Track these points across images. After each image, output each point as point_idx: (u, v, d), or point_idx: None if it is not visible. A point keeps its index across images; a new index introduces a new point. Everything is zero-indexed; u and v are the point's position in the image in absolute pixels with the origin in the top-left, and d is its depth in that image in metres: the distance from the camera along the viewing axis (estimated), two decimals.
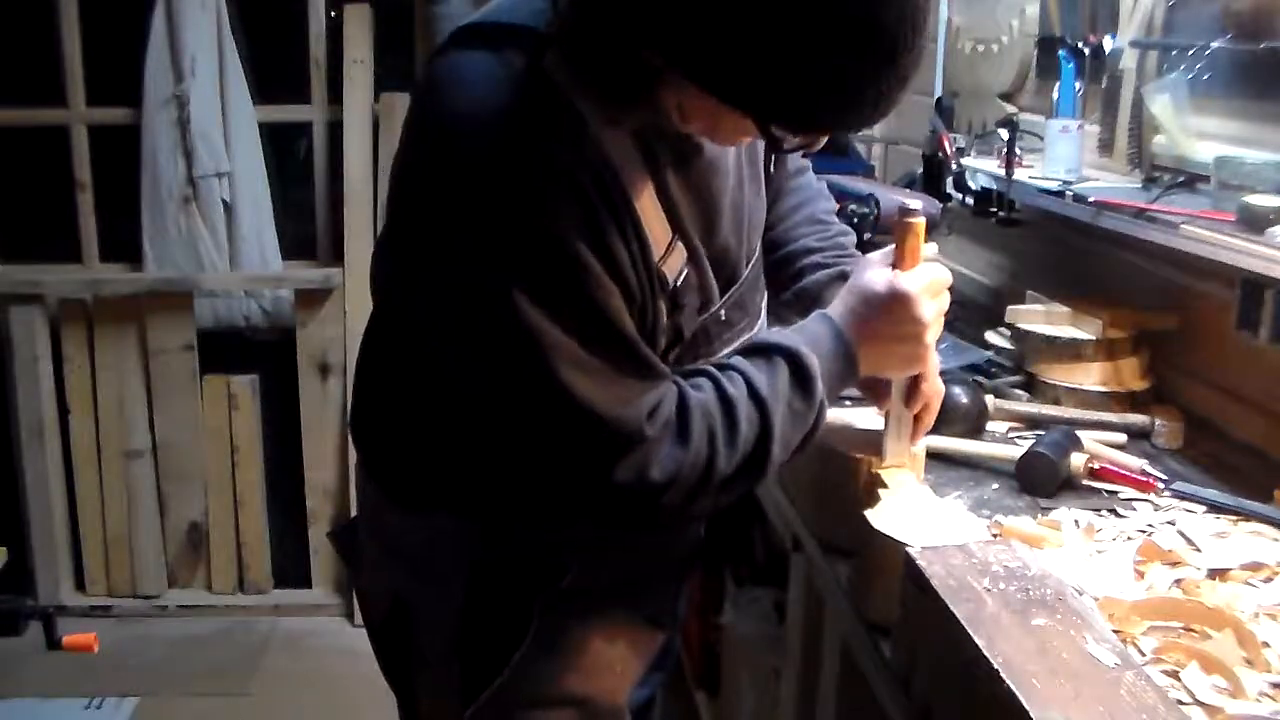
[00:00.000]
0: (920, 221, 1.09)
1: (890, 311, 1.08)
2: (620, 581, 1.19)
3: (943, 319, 1.12)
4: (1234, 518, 1.32)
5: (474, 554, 1.13)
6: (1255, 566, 1.18)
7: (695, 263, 1.07)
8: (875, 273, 1.10)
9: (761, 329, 1.22)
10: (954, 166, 2.06)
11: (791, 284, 1.29)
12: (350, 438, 1.25)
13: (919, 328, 1.08)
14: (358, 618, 3.07)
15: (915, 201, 1.12)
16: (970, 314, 2.18)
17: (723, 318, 1.13)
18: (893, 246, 1.11)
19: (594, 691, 1.19)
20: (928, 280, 1.09)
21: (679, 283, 1.04)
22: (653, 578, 1.25)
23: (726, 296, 1.13)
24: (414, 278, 1.01)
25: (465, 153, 0.92)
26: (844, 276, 1.18)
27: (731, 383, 1.02)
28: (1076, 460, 1.40)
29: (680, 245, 1.04)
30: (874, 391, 1.18)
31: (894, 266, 1.10)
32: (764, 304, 1.24)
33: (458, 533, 1.13)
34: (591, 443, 0.96)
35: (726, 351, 1.13)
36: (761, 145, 1.17)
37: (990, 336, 1.86)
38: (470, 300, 0.94)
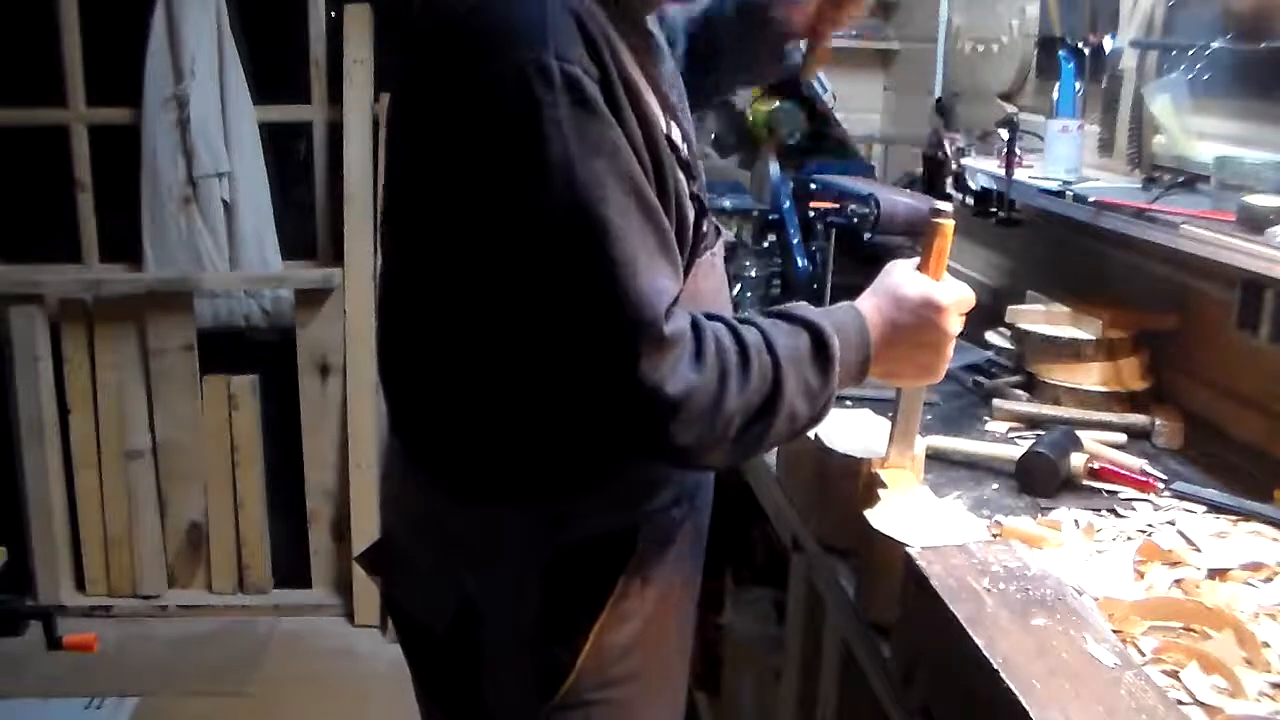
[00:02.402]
0: (951, 223, 1.09)
1: (920, 317, 1.07)
2: (672, 547, 1.18)
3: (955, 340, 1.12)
4: (1234, 518, 1.32)
5: (547, 542, 1.11)
6: (1255, 566, 1.18)
7: (689, 141, 1.08)
8: (909, 276, 1.09)
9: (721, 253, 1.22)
10: (954, 166, 2.05)
11: None
12: (393, 434, 1.20)
13: (944, 339, 1.08)
14: (358, 618, 3.08)
15: (946, 203, 1.11)
16: (970, 314, 2.18)
17: (706, 203, 1.12)
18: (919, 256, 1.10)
19: (652, 663, 1.19)
20: (959, 295, 1.09)
21: (686, 152, 1.05)
22: (692, 543, 1.24)
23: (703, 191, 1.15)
24: (448, 155, 0.98)
25: (480, 15, 0.94)
26: None
27: (749, 331, 1.00)
28: (1076, 460, 1.40)
29: (674, 124, 1.05)
30: None
31: (920, 268, 1.09)
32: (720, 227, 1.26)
33: (526, 523, 1.11)
34: (620, 321, 0.93)
35: (716, 248, 1.14)
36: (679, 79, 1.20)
37: (990, 336, 1.86)
38: (509, 140, 0.92)
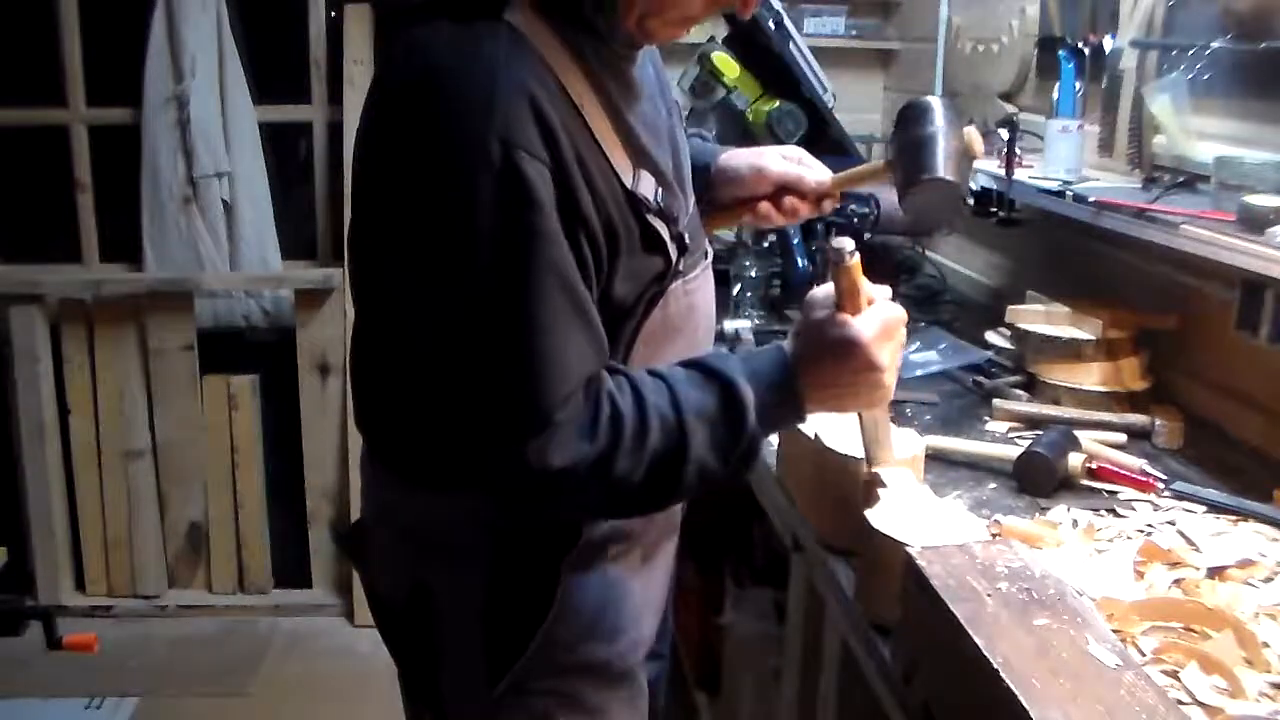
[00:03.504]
0: (855, 262, 1.04)
1: (844, 360, 1.05)
2: (625, 537, 1.19)
3: (900, 356, 1.09)
4: (1234, 518, 1.32)
5: (492, 526, 1.13)
6: (1245, 564, 1.18)
7: (664, 183, 1.09)
8: (823, 319, 1.06)
9: (710, 261, 1.24)
10: None
11: None
12: (357, 426, 1.24)
13: (875, 374, 1.05)
14: (358, 618, 3.07)
15: (846, 241, 1.05)
16: (970, 314, 2.18)
17: (687, 241, 1.14)
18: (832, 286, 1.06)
19: (611, 655, 1.20)
20: (879, 324, 1.05)
21: (659, 198, 1.06)
22: (651, 533, 1.25)
23: (689, 216, 1.16)
24: (389, 214, 1.02)
25: (428, 87, 0.96)
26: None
27: (654, 391, 1.02)
28: (1074, 460, 1.40)
29: (645, 172, 1.06)
30: None
31: (838, 309, 1.05)
32: (707, 245, 1.26)
33: (473, 506, 1.12)
34: (514, 411, 0.97)
35: (695, 273, 1.16)
36: (665, 80, 1.24)
37: (990, 336, 1.86)
38: (440, 217, 0.95)
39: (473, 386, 0.99)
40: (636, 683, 1.24)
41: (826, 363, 1.05)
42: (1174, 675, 0.98)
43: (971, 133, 1.30)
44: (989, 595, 0.91)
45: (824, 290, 1.08)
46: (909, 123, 1.30)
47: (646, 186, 1.06)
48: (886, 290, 1.10)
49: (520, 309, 0.95)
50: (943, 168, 1.25)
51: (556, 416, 0.97)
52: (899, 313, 1.08)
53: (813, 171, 1.36)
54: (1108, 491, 1.40)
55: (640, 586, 1.23)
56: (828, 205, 1.39)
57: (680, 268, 1.11)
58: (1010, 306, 1.80)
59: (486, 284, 0.95)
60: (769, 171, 1.35)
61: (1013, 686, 0.80)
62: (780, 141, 2.22)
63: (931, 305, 2.28)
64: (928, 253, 2.51)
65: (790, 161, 1.36)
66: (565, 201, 0.96)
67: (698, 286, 1.17)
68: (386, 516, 1.24)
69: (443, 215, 0.95)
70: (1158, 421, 1.57)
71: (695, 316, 1.18)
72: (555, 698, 1.17)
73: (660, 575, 1.30)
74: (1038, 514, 1.33)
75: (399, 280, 1.03)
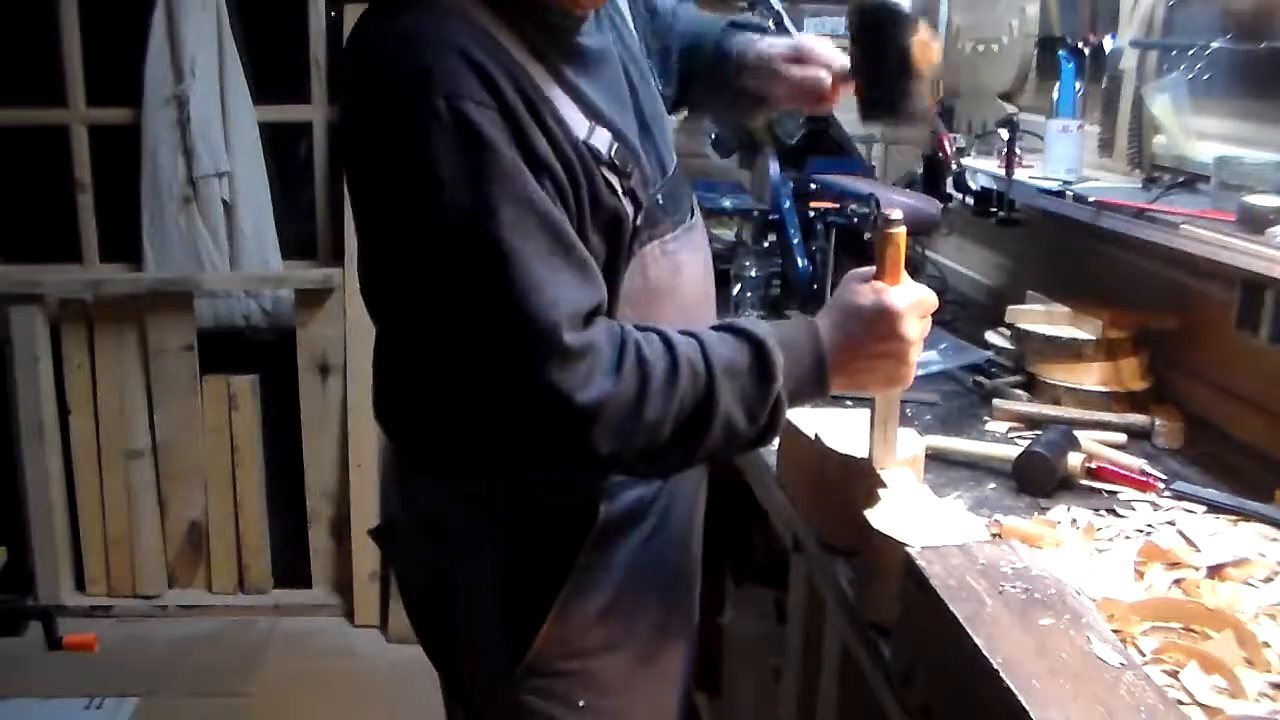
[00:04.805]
0: (901, 231, 1.07)
1: (874, 326, 1.06)
2: (645, 523, 1.20)
3: (922, 339, 1.10)
4: (1234, 518, 1.32)
5: (506, 514, 1.14)
6: (1240, 563, 1.18)
7: (623, 141, 1.10)
8: (861, 286, 1.08)
9: (698, 226, 1.25)
10: (954, 166, 2.05)
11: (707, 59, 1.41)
12: (376, 418, 1.25)
13: (903, 345, 1.07)
14: (358, 618, 3.08)
15: (895, 211, 1.09)
16: (970, 314, 2.18)
17: (660, 202, 1.15)
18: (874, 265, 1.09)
19: (630, 638, 1.21)
20: (916, 298, 1.08)
21: (613, 153, 1.08)
22: (678, 504, 1.26)
23: (662, 184, 1.16)
24: (367, 197, 1.06)
25: (371, 71, 1.02)
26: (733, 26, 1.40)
27: (685, 342, 1.02)
28: (1074, 460, 1.40)
29: (600, 128, 1.07)
30: None
31: (876, 277, 1.08)
32: (695, 205, 1.27)
33: (488, 495, 1.14)
34: (517, 336, 0.97)
35: (675, 234, 1.17)
36: (638, 46, 1.25)
37: (990, 336, 1.86)
38: (405, 180, 0.98)
39: (475, 331, 1.00)
40: (661, 661, 1.25)
41: (856, 328, 1.07)
42: (1174, 675, 0.98)
43: (925, 40, 1.29)
44: (989, 595, 0.91)
45: (861, 270, 1.11)
46: (871, 33, 1.31)
47: (600, 140, 1.07)
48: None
49: (495, 243, 0.96)
50: (918, 108, 1.27)
51: (566, 338, 0.96)
52: (932, 296, 1.10)
53: (823, 67, 1.37)
54: (1108, 491, 1.40)
55: (659, 567, 1.23)
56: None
57: (642, 224, 1.12)
58: (1010, 306, 1.80)
59: (461, 230, 0.97)
60: (790, 78, 1.38)
61: (1013, 686, 0.79)
62: (780, 142, 2.22)
63: None
64: (928, 252, 2.50)
65: (803, 65, 1.38)
66: (520, 142, 0.99)
67: (679, 249, 1.18)
68: (408, 507, 1.26)
69: (407, 178, 0.98)
70: (1158, 421, 1.56)
71: (680, 280, 1.18)
72: (578, 678, 1.18)
73: (688, 557, 1.30)
74: (1037, 514, 1.33)
75: (391, 255, 1.06)
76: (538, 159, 1.00)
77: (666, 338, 1.03)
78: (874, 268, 1.09)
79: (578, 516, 1.14)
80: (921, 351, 1.11)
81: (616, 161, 1.08)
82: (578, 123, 1.06)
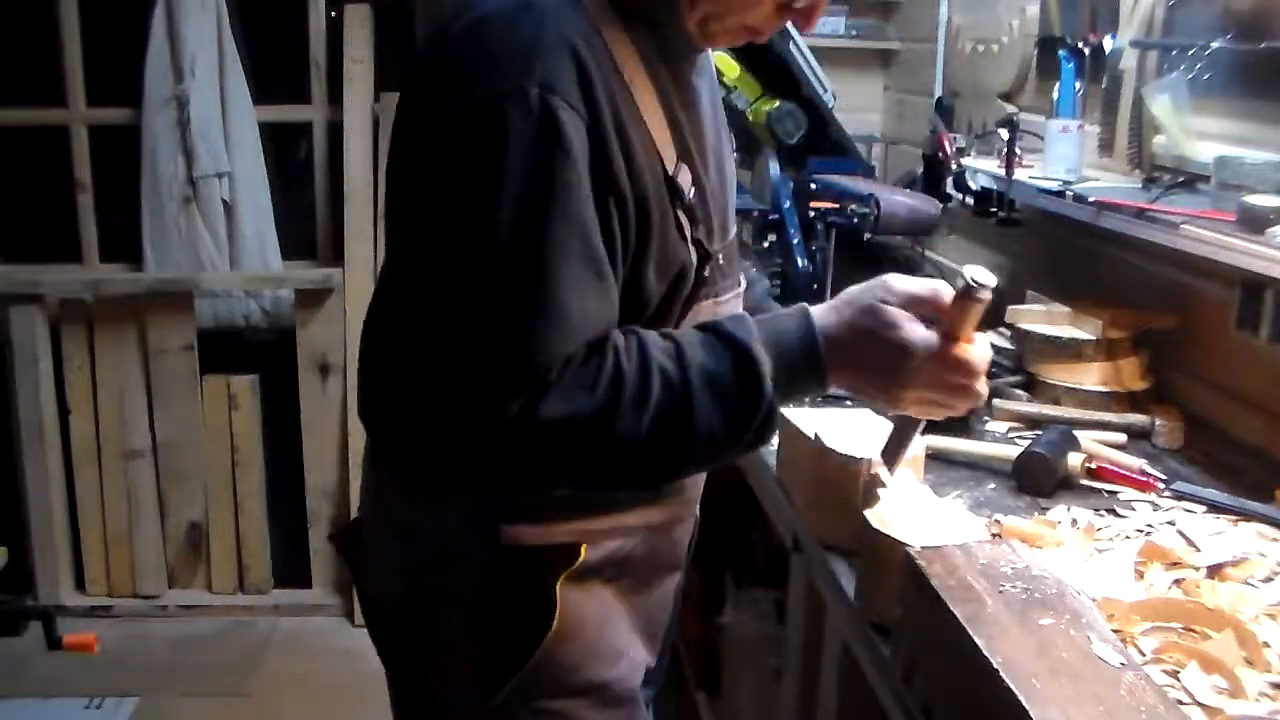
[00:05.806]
0: (987, 299, 1.01)
1: (875, 314, 1.01)
2: (630, 562, 1.18)
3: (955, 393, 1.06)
4: (1234, 518, 1.32)
5: (491, 536, 1.11)
6: (1237, 562, 1.18)
7: (699, 188, 1.07)
8: (882, 281, 1.04)
9: (742, 295, 1.22)
10: (954, 166, 2.06)
11: None
12: (361, 423, 1.22)
13: (902, 347, 1.01)
14: (358, 618, 3.07)
15: (990, 277, 1.01)
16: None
17: (720, 262, 1.12)
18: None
19: (612, 677, 1.19)
20: (971, 359, 1.05)
21: (691, 196, 1.05)
22: (658, 556, 1.23)
23: (726, 241, 1.15)
24: (423, 154, 1.01)
25: (477, 32, 0.98)
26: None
27: (662, 354, 0.99)
28: (1074, 460, 1.40)
29: (686, 168, 1.05)
30: None
31: (947, 336, 1.03)
32: (743, 276, 1.25)
33: (473, 514, 1.11)
34: (506, 360, 0.94)
35: (726, 297, 1.15)
36: (723, 109, 1.22)
37: (990, 336, 1.86)
38: (472, 154, 0.95)
39: (474, 333, 0.96)
40: (636, 706, 1.23)
41: (863, 351, 1.01)
42: (1174, 675, 0.98)
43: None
44: (989, 595, 0.91)
45: (906, 283, 1.04)
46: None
47: (684, 179, 1.05)
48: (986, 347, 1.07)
49: (534, 255, 0.93)
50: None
51: (551, 376, 0.95)
52: (984, 354, 1.07)
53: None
54: (1108, 491, 1.40)
55: (639, 610, 1.22)
56: None
57: (707, 276, 1.09)
58: (1010, 306, 1.80)
59: (507, 225, 0.94)
60: None
61: (1013, 686, 0.80)
62: (780, 141, 2.22)
63: None
64: (927, 253, 2.50)
65: None
66: (597, 161, 0.96)
67: (728, 312, 1.14)
68: (384, 516, 1.22)
69: (474, 153, 0.95)
70: (1158, 421, 1.57)
71: None
72: (554, 718, 1.16)
73: (660, 605, 1.27)
74: (1037, 514, 1.33)
75: (423, 222, 1.02)
76: (609, 180, 0.97)
77: (644, 346, 0.99)
78: (913, 283, 1.03)
79: (560, 554, 1.12)
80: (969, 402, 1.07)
81: (693, 206, 1.06)
82: (668, 154, 1.03)
